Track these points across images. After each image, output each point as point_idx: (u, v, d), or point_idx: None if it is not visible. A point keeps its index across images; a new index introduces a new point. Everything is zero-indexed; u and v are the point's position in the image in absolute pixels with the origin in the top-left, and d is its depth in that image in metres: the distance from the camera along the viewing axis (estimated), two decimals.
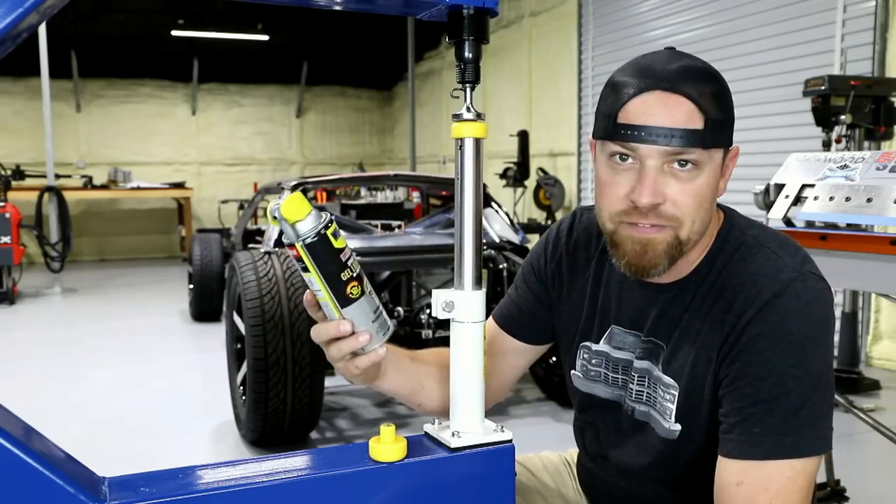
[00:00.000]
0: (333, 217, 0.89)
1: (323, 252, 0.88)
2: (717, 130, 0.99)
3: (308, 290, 0.94)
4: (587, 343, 1.20)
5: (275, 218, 0.87)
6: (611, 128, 1.00)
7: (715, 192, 1.04)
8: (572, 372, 1.23)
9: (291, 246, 0.88)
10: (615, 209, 1.03)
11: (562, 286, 1.24)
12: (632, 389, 1.13)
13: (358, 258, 3.48)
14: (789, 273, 0.99)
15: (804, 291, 0.98)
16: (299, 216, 0.86)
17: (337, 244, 0.88)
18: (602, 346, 1.18)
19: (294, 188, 3.99)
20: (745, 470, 0.95)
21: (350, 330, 0.93)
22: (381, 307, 0.96)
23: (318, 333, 0.96)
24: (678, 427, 1.06)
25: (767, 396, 0.96)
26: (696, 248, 1.06)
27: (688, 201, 1.00)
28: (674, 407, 1.06)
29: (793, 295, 0.98)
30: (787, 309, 0.97)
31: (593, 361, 1.19)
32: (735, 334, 0.99)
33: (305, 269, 0.89)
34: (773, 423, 0.95)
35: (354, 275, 0.90)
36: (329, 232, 0.87)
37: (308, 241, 0.86)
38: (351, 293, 0.91)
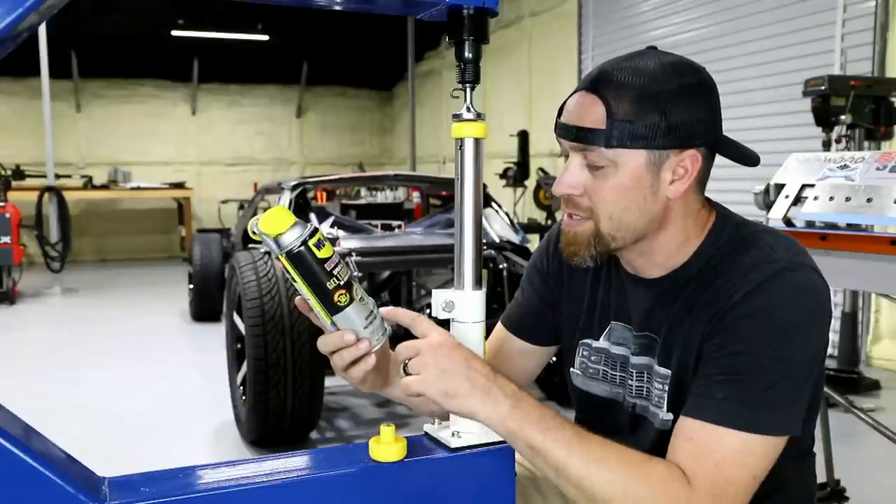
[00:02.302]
0: (316, 227, 0.90)
1: (306, 263, 0.88)
2: (630, 132, 0.99)
3: (299, 297, 0.95)
4: (587, 340, 1.21)
5: (254, 233, 0.88)
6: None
7: (643, 193, 1.03)
8: (571, 370, 1.24)
9: (278, 258, 0.89)
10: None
11: (563, 284, 1.25)
12: (631, 386, 1.14)
13: (358, 258, 3.46)
14: (782, 263, 1.00)
15: (795, 280, 0.99)
16: (279, 229, 0.87)
17: (321, 254, 0.88)
18: (602, 342, 1.19)
19: (294, 188, 3.99)
20: (698, 429, 0.96)
21: (353, 339, 0.94)
22: (374, 313, 0.95)
23: (323, 345, 0.98)
24: (670, 416, 1.07)
25: (739, 370, 0.97)
26: (671, 243, 1.08)
27: (602, 196, 1.04)
28: (666, 396, 1.07)
29: (783, 282, 0.98)
30: (775, 295, 0.98)
31: (593, 359, 1.20)
32: (719, 315, 1.00)
33: (294, 279, 0.90)
34: (737, 395, 0.96)
35: (342, 283, 0.90)
36: (312, 242, 0.88)
37: (289, 253, 0.87)
38: (339, 301, 0.91)
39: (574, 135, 1.02)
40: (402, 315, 0.98)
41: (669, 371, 1.07)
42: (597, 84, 1.02)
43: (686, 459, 0.95)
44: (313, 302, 0.92)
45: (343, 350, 0.96)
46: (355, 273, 3.25)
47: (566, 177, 1.05)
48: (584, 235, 1.07)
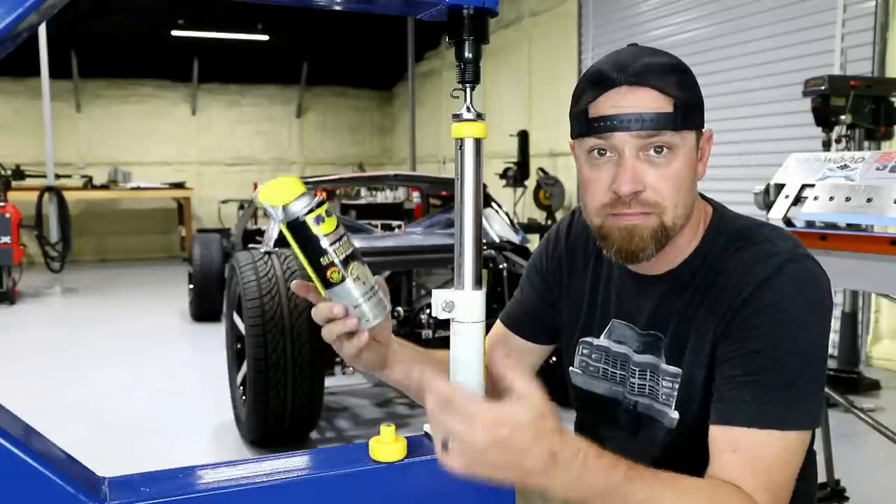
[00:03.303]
0: (322, 200, 0.90)
1: (301, 236, 0.90)
2: (686, 113, 1.02)
3: (296, 280, 0.96)
4: (587, 338, 1.21)
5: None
6: (584, 124, 1.04)
7: (693, 175, 1.06)
8: (571, 369, 1.25)
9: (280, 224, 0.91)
10: (599, 202, 1.05)
11: (562, 283, 1.26)
12: (633, 384, 1.14)
13: None
14: (784, 256, 1.02)
15: (799, 272, 1.01)
16: (280, 200, 0.88)
17: (319, 230, 0.89)
18: (603, 340, 1.19)
19: None
20: (739, 437, 0.96)
21: (342, 313, 0.93)
22: (369, 293, 0.95)
23: (314, 314, 0.98)
24: (677, 415, 1.07)
25: (760, 368, 0.97)
26: (685, 235, 1.08)
27: (667, 186, 1.03)
28: (675, 395, 1.07)
29: (787, 275, 1.00)
30: (781, 288, 0.99)
31: (593, 357, 1.20)
32: (730, 314, 1.01)
33: (292, 248, 0.93)
34: (763, 393, 0.96)
35: (336, 261, 0.91)
36: (310, 218, 0.88)
37: (289, 224, 0.89)
38: (331, 278, 0.92)
39: (641, 122, 1.00)
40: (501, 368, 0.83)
41: (679, 369, 1.07)
42: (637, 77, 1.01)
43: (739, 472, 0.94)
44: (310, 271, 0.93)
45: (332, 323, 0.95)
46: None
47: (629, 173, 1.01)
48: (649, 230, 1.04)
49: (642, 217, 1.03)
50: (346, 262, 0.92)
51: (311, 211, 0.89)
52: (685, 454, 1.08)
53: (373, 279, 0.96)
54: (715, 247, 1.08)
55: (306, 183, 4.17)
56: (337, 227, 0.91)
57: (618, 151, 1.02)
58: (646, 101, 1.00)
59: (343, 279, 0.92)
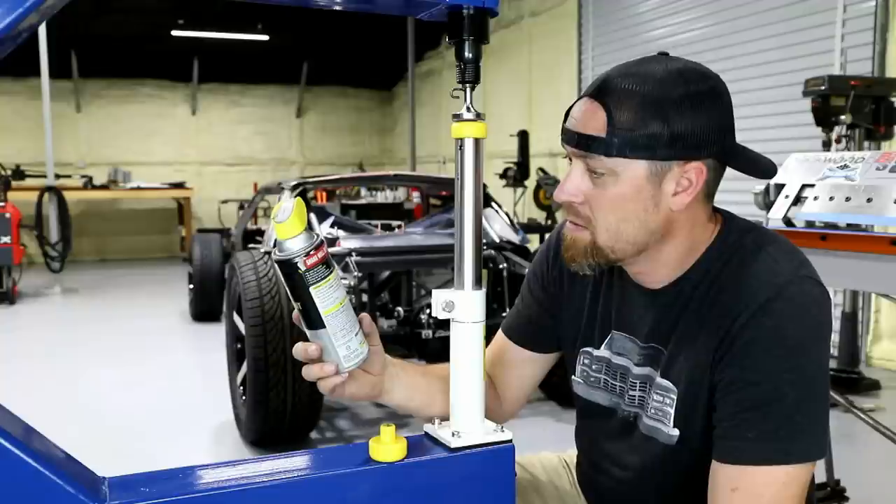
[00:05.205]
0: (307, 252, 0.91)
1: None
2: (630, 142, 0.97)
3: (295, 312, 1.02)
4: (588, 349, 1.20)
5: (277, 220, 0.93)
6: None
7: (644, 205, 1.00)
8: (573, 378, 1.23)
9: None
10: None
11: (563, 291, 1.24)
12: (633, 396, 1.13)
13: (358, 258, 3.47)
14: (785, 277, 0.98)
15: (800, 295, 0.97)
16: (284, 236, 0.92)
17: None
18: (603, 351, 1.17)
19: (294, 188, 3.99)
20: (739, 475, 0.95)
21: (313, 356, 0.96)
22: (332, 345, 0.95)
23: (294, 351, 1.01)
24: (676, 432, 1.06)
25: (762, 401, 0.95)
26: (678, 250, 1.06)
27: (600, 206, 1.02)
28: (672, 412, 1.06)
29: (788, 299, 0.97)
30: (782, 313, 0.96)
31: (594, 367, 1.19)
32: (730, 338, 0.99)
33: None
34: (767, 427, 0.94)
35: (295, 313, 0.96)
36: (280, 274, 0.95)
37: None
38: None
39: (576, 141, 1.01)
40: None
41: (671, 384, 1.06)
42: (600, 91, 1.00)
43: None
44: None
45: (308, 365, 0.98)
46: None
47: (567, 184, 1.04)
48: (582, 244, 1.05)
49: (579, 230, 1.06)
50: (301, 321, 0.97)
51: (302, 255, 0.93)
52: (685, 473, 1.07)
53: (345, 330, 0.95)
54: (718, 260, 1.05)
55: (306, 183, 4.18)
56: (294, 296, 0.94)
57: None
58: (587, 119, 1.00)
59: (303, 332, 0.98)
